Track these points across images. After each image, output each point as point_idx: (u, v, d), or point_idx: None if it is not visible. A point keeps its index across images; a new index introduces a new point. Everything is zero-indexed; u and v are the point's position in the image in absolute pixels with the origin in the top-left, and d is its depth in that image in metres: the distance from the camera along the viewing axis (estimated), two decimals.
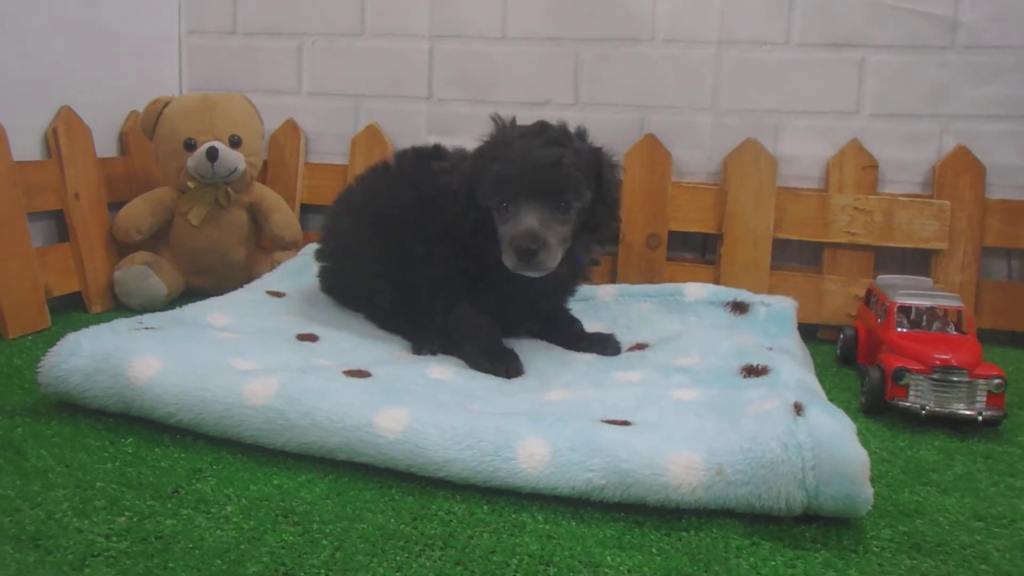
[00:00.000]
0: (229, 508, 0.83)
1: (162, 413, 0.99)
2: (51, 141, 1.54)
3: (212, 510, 0.83)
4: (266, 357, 1.12)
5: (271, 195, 1.76)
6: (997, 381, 1.11)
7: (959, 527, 0.85)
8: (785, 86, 1.66)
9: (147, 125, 1.67)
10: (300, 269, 1.58)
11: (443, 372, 1.15)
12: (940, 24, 1.59)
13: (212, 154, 1.61)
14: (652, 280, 1.62)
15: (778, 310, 1.39)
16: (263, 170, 1.81)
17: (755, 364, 1.14)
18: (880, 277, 1.44)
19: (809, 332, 1.55)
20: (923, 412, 1.12)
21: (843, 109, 1.65)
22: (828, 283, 1.61)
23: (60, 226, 1.58)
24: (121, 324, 1.16)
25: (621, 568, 0.75)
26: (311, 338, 1.27)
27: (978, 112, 1.60)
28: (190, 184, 1.64)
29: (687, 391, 1.07)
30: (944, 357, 1.13)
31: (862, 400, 1.20)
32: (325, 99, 1.88)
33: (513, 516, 0.84)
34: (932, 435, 1.11)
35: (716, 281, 1.61)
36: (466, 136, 1.34)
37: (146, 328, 1.15)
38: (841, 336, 1.43)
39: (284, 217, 1.75)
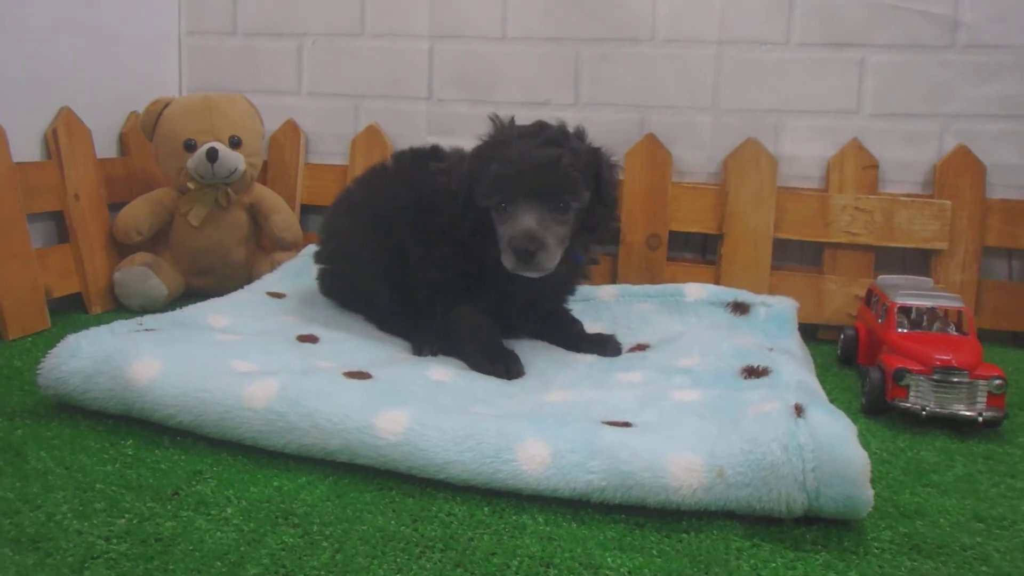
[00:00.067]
0: (229, 510, 0.83)
1: (162, 415, 0.99)
2: (51, 142, 1.54)
3: (212, 512, 0.83)
4: (266, 359, 1.12)
5: (271, 196, 1.76)
6: (998, 382, 1.11)
7: (960, 528, 0.85)
8: (785, 86, 1.66)
9: (147, 126, 1.67)
10: (300, 270, 1.58)
11: (443, 373, 1.15)
12: (940, 24, 1.59)
13: (212, 155, 1.61)
14: (653, 280, 1.62)
15: (779, 310, 1.39)
16: (263, 170, 1.81)
17: (756, 365, 1.14)
18: (881, 277, 1.44)
19: (810, 332, 1.55)
20: (923, 413, 1.12)
21: (843, 109, 1.65)
22: (828, 283, 1.61)
23: (60, 227, 1.58)
24: (121, 326, 1.16)
25: (622, 570, 0.75)
26: (311, 339, 1.26)
27: (978, 112, 1.60)
28: (190, 185, 1.64)
29: (688, 392, 1.07)
30: (944, 358, 1.13)
31: (863, 401, 1.20)
32: (325, 99, 1.88)
33: (514, 518, 0.84)
34: (933, 436, 1.10)
35: (716, 281, 1.61)
36: (466, 136, 1.34)
37: (146, 330, 1.15)
38: (842, 336, 1.43)
39: (284, 218, 1.75)
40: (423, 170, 1.33)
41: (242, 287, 1.54)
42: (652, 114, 1.72)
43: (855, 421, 0.91)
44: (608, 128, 1.67)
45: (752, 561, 0.77)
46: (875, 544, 0.81)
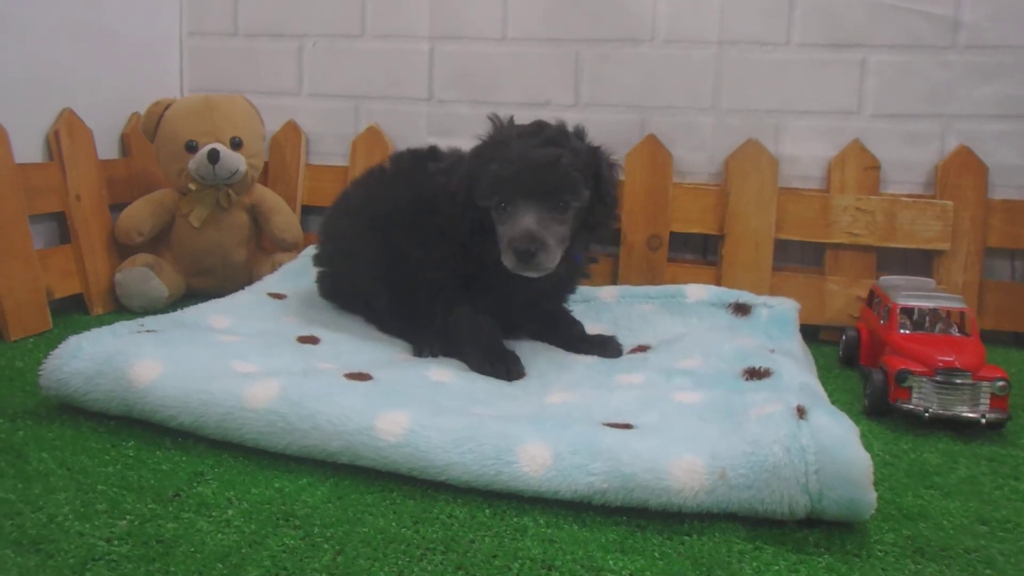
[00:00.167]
0: (230, 512, 0.83)
1: (163, 416, 0.99)
2: (53, 143, 1.54)
3: (213, 514, 0.83)
4: (267, 360, 1.12)
5: (272, 196, 1.76)
6: (1001, 383, 1.11)
7: (963, 531, 0.85)
8: (786, 86, 1.66)
9: (148, 127, 1.67)
10: (301, 271, 1.58)
11: (444, 375, 1.15)
12: (941, 24, 1.59)
13: (213, 156, 1.61)
14: (653, 281, 1.62)
15: (780, 312, 1.39)
16: (264, 171, 1.81)
17: (757, 366, 1.14)
18: (882, 278, 1.44)
19: (811, 333, 1.55)
20: (926, 414, 1.11)
21: (844, 109, 1.65)
22: (830, 284, 1.61)
23: (61, 228, 1.58)
24: (122, 327, 1.16)
25: (623, 572, 0.75)
26: (312, 340, 1.26)
27: (980, 112, 1.60)
28: (191, 186, 1.64)
29: (689, 394, 1.07)
30: (947, 359, 1.13)
31: (865, 402, 1.20)
32: (326, 100, 1.87)
33: (515, 520, 0.84)
34: (935, 438, 1.10)
35: (717, 282, 1.61)
36: (466, 137, 1.34)
37: (147, 331, 1.15)
38: (843, 337, 1.43)
39: (285, 218, 1.75)
40: (421, 171, 1.33)
41: (243, 288, 1.54)
42: (653, 115, 1.71)
43: (857, 423, 0.90)
44: (609, 129, 1.67)
45: (754, 564, 0.77)
46: (878, 547, 0.81)
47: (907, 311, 1.26)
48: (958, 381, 1.12)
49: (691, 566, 0.76)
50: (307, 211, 1.88)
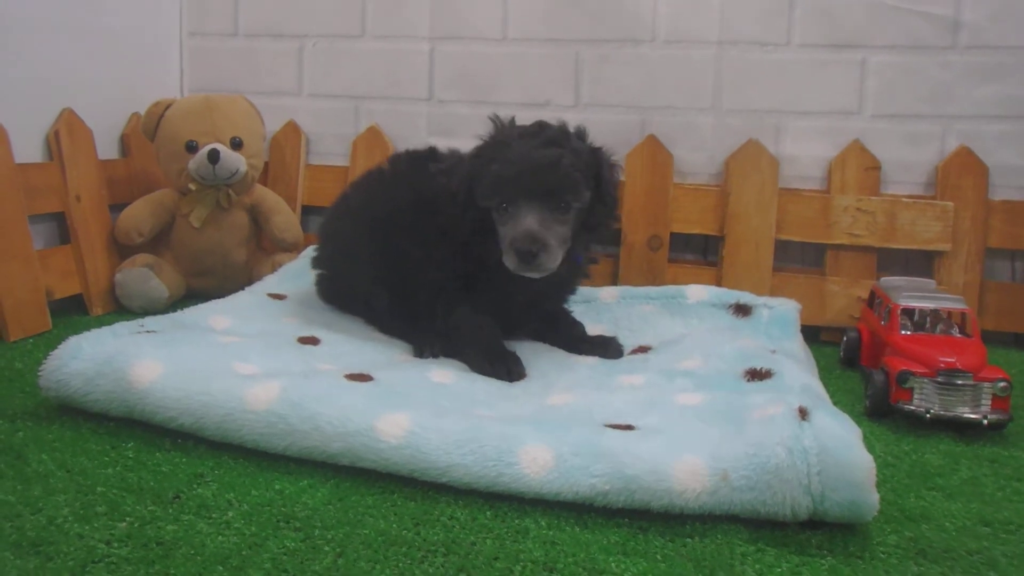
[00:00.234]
0: (231, 513, 0.83)
1: (163, 417, 0.99)
2: (53, 143, 1.54)
3: (213, 516, 0.82)
4: (267, 361, 1.12)
5: (272, 197, 1.76)
6: (1002, 384, 1.11)
7: (966, 533, 0.85)
8: (786, 87, 1.66)
9: (148, 127, 1.67)
10: (301, 271, 1.57)
11: (445, 376, 1.15)
12: (941, 24, 1.59)
13: (213, 156, 1.60)
14: (654, 282, 1.61)
15: (781, 312, 1.39)
16: (264, 171, 1.81)
17: (758, 368, 1.13)
18: (883, 279, 1.44)
19: (812, 334, 1.55)
20: (928, 415, 1.11)
21: (845, 110, 1.65)
22: (831, 284, 1.61)
23: (61, 228, 1.58)
24: (122, 327, 1.16)
25: (625, 574, 0.75)
26: (312, 341, 1.26)
27: (980, 112, 1.59)
28: (191, 186, 1.64)
29: (691, 395, 1.07)
30: (949, 360, 1.13)
31: (866, 403, 1.20)
32: (326, 100, 1.87)
33: (516, 522, 0.84)
34: (937, 439, 1.10)
35: (718, 283, 1.61)
36: (467, 137, 1.34)
37: (147, 331, 1.15)
38: (844, 338, 1.42)
39: (285, 219, 1.74)
40: (420, 172, 1.33)
41: (243, 288, 1.54)
42: (653, 115, 1.71)
43: (858, 423, 0.90)
44: (609, 129, 1.67)
45: (757, 566, 0.77)
46: (880, 549, 0.81)
47: (908, 312, 1.26)
48: (959, 382, 1.12)
49: (693, 568, 0.76)
50: (307, 211, 1.88)
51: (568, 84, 1.75)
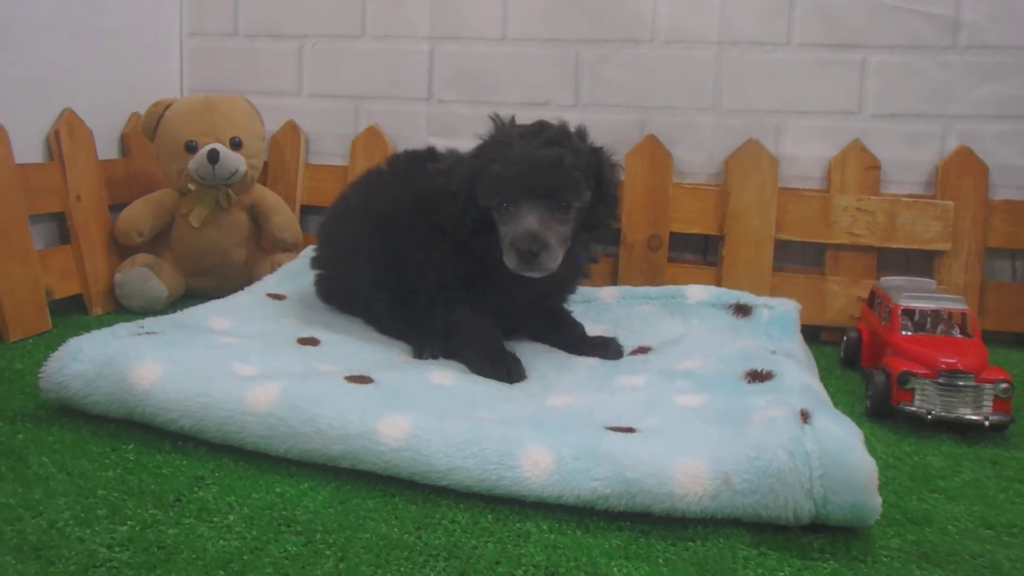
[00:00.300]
0: (231, 517, 0.83)
1: (164, 419, 0.99)
2: (53, 143, 1.54)
3: (214, 519, 0.82)
4: (267, 362, 1.12)
5: (271, 196, 1.75)
6: (1004, 385, 1.10)
7: (968, 536, 0.85)
8: (786, 86, 1.66)
9: (148, 127, 1.67)
10: (300, 271, 1.57)
11: (445, 377, 1.15)
12: (941, 24, 1.59)
13: (213, 156, 1.60)
14: (653, 282, 1.61)
15: (781, 312, 1.38)
16: (264, 171, 1.80)
17: (759, 369, 1.13)
18: (883, 279, 1.43)
19: (812, 334, 1.54)
20: (929, 417, 1.11)
21: (845, 109, 1.64)
22: (831, 284, 1.61)
23: (61, 228, 1.57)
24: (122, 328, 1.15)
25: None
26: (312, 342, 1.26)
27: (980, 112, 1.59)
28: (191, 186, 1.64)
29: (691, 397, 1.06)
30: (950, 361, 1.12)
31: (866, 404, 1.20)
32: (325, 100, 1.87)
33: (517, 525, 0.84)
34: (938, 440, 1.10)
35: (718, 283, 1.60)
36: (467, 137, 1.33)
37: (147, 332, 1.15)
38: (844, 338, 1.42)
39: (284, 219, 1.74)
40: (419, 172, 1.32)
41: (242, 288, 1.54)
42: (653, 115, 1.71)
43: (859, 425, 0.90)
44: (609, 129, 1.66)
45: (759, 570, 0.77)
46: (883, 552, 0.81)
47: (908, 312, 1.26)
48: (961, 383, 1.11)
49: (696, 572, 0.76)
50: (307, 211, 1.88)
51: (568, 84, 1.75)
